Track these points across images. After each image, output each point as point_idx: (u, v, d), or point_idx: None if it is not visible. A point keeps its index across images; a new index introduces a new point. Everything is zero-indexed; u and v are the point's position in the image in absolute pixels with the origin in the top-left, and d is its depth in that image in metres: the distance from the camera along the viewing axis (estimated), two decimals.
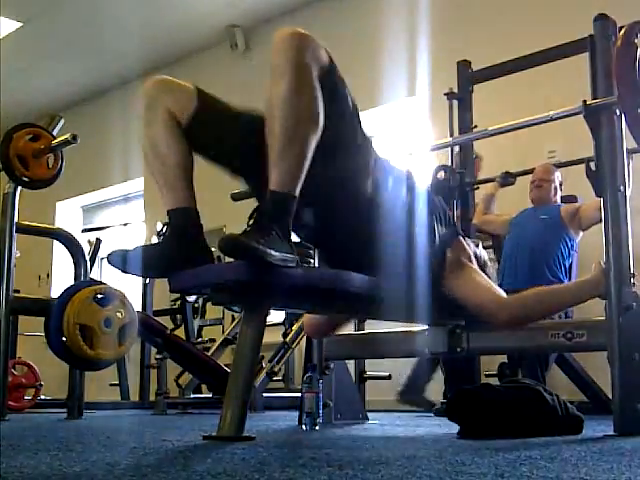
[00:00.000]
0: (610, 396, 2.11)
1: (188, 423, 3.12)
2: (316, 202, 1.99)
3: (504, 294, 2.23)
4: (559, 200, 4.05)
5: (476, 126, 3.48)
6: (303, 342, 4.35)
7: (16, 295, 3.32)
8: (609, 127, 2.16)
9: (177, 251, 1.89)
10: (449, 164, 3.65)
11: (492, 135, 2.80)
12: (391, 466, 1.32)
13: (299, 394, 2.61)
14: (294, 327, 4.71)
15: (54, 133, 3.32)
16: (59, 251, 6.91)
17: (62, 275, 7.77)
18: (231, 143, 1.98)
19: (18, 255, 3.41)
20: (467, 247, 2.32)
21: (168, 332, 4.23)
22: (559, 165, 4.02)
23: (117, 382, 5.97)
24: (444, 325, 2.49)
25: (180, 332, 5.58)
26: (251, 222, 1.81)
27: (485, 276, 2.27)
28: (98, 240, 5.55)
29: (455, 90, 3.59)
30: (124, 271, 1.89)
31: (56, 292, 3.57)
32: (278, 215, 1.80)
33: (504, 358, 3.77)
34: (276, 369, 4.56)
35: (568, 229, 3.88)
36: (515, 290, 2.35)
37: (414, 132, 5.76)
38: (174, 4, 6.53)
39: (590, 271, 2.19)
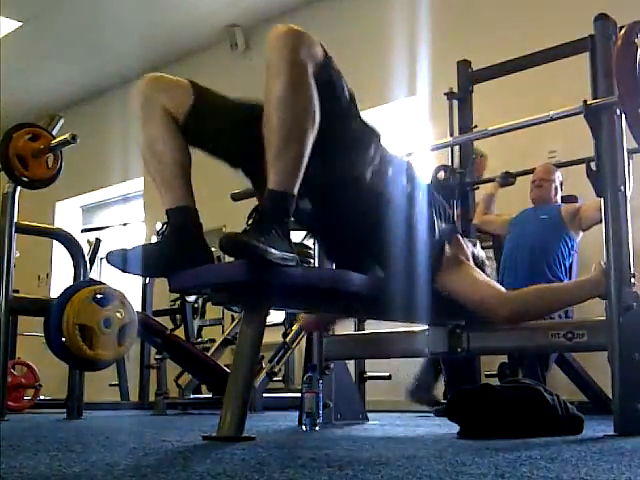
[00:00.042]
0: (610, 396, 2.11)
1: (188, 423, 3.12)
2: (316, 191, 2.00)
3: (504, 290, 2.23)
4: (559, 200, 4.04)
5: (476, 126, 3.48)
6: (303, 342, 4.34)
7: (15, 295, 3.31)
8: (609, 127, 2.16)
9: (176, 250, 1.89)
10: (449, 164, 3.65)
11: (492, 135, 2.80)
12: (391, 466, 1.32)
13: (299, 394, 2.61)
14: (294, 327, 4.70)
15: (54, 133, 3.32)
16: (58, 251, 6.91)
17: (61, 275, 7.76)
18: (230, 134, 1.98)
19: (17, 255, 3.41)
20: (465, 245, 2.32)
21: (168, 332, 4.22)
22: (559, 165, 4.02)
23: (117, 382, 5.96)
24: (444, 325, 2.48)
25: (180, 332, 5.57)
26: (250, 221, 1.81)
27: (483, 274, 2.27)
28: (97, 240, 5.55)
29: (455, 90, 3.59)
30: (123, 271, 1.89)
31: (55, 292, 3.57)
32: (277, 214, 1.80)
33: (504, 358, 3.77)
34: (276, 369, 4.55)
35: (568, 229, 3.87)
36: (515, 290, 2.34)
37: (414, 132, 5.76)
38: (174, 4, 6.53)
39: (590, 271, 2.19)
